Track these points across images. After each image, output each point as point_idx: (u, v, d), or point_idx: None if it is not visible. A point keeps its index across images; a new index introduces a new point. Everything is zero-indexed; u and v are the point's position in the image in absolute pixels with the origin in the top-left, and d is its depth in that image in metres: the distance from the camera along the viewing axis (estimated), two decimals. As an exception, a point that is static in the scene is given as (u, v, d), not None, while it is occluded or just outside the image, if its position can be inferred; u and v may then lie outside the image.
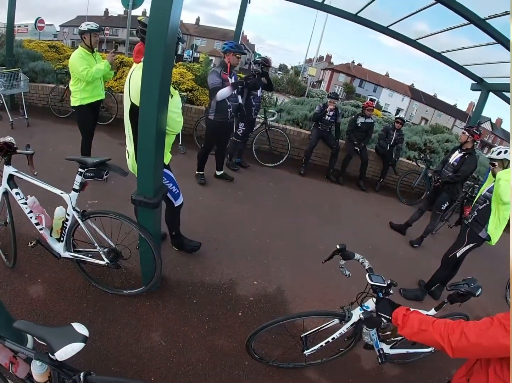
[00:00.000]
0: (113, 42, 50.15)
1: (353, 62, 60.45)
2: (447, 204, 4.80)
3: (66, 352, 1.36)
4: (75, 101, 4.30)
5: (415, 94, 58.06)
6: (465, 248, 3.52)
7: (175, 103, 2.48)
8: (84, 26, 4.16)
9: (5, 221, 2.81)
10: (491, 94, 7.48)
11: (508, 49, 5.43)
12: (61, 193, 2.50)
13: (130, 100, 2.45)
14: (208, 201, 4.63)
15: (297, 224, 4.59)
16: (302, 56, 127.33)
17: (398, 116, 7.41)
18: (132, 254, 2.72)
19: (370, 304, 1.85)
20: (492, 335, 1.15)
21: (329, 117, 6.44)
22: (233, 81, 4.58)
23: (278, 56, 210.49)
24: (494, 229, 3.37)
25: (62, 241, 2.64)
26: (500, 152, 3.54)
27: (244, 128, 5.53)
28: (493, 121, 57.42)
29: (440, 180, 4.82)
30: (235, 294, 3.08)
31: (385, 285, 1.75)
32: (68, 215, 2.54)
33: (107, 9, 59.77)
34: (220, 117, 4.64)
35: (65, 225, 2.58)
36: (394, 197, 6.82)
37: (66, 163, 3.59)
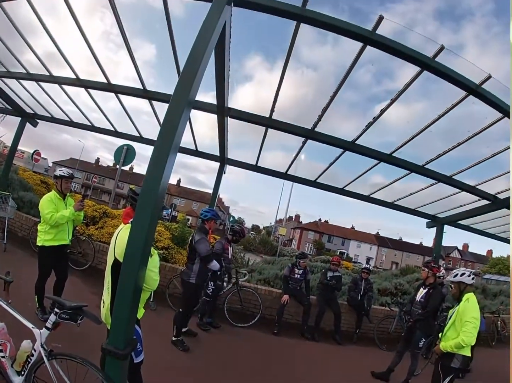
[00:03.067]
0: (99, 189, 52.82)
1: (320, 219, 64.97)
2: (424, 340, 4.78)
3: None
4: (38, 240, 4.40)
5: (381, 241, 61.27)
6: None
7: (154, 262, 2.72)
8: (57, 171, 4.45)
9: None
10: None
11: (449, 184, 6.36)
12: (33, 327, 2.49)
13: (114, 255, 2.68)
14: (176, 361, 4.37)
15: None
16: (273, 217, 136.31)
17: (364, 266, 7.85)
18: None
19: None
20: None
21: (298, 275, 6.72)
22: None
23: (250, 217, 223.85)
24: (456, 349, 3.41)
25: (22, 376, 2.51)
26: (456, 275, 3.69)
27: (213, 287, 5.68)
28: (460, 247, 59.91)
29: (411, 320, 4.93)
30: None
31: None
32: (35, 350, 2.47)
33: (98, 158, 64.62)
34: (201, 280, 4.90)
35: (29, 360, 2.49)
36: (373, 346, 6.65)
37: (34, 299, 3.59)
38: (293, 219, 69.79)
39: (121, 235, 2.71)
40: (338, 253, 48.23)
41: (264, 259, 11.80)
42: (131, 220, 2.67)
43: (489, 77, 3.90)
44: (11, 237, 7.18)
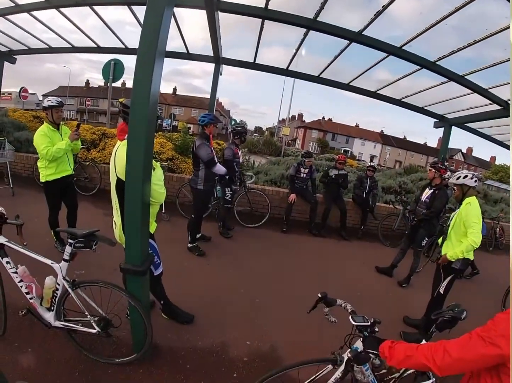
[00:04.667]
0: (94, 112, 51.73)
1: (323, 117, 63.70)
2: (426, 239, 4.96)
3: None
4: (41, 177, 4.35)
5: (386, 140, 60.98)
6: (445, 283, 3.59)
7: (157, 176, 2.65)
8: (45, 102, 4.22)
9: None
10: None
11: (461, 84, 5.98)
12: (52, 263, 2.53)
13: (116, 175, 2.63)
14: (194, 266, 4.63)
15: (284, 280, 4.62)
16: (276, 117, 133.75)
17: (369, 164, 7.82)
18: (122, 322, 2.71)
19: (359, 344, 1.88)
20: (472, 348, 1.24)
21: (304, 175, 6.77)
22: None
23: (252, 119, 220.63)
24: (466, 253, 3.45)
25: (52, 311, 2.63)
26: (459, 177, 3.63)
27: (231, 193, 5.79)
28: (464, 151, 60.30)
29: (415, 219, 5.03)
30: (229, 356, 3.02)
31: (369, 323, 1.80)
32: (59, 284, 2.55)
33: (88, 80, 61.59)
34: (209, 186, 4.93)
35: (55, 294, 2.59)
36: (377, 242, 6.97)
37: (51, 235, 3.63)
38: (296, 119, 68.65)
39: (119, 153, 2.62)
40: (342, 151, 48.23)
41: (269, 160, 11.82)
42: (127, 135, 2.51)
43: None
44: (16, 179, 7.14)
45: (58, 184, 4.36)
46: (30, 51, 8.29)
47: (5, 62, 8.60)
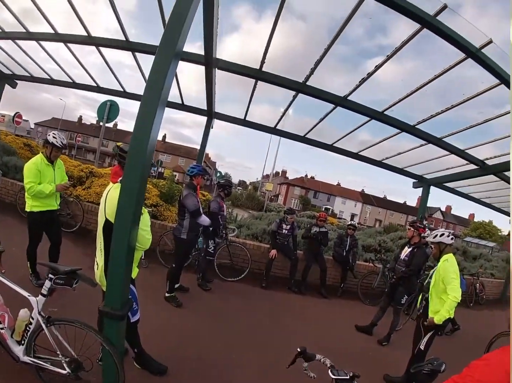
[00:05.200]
0: (83, 149, 51.74)
1: (306, 175, 65.37)
2: (406, 297, 4.99)
3: None
4: (27, 206, 4.28)
5: (366, 199, 62.52)
6: (425, 339, 3.60)
7: (144, 221, 2.68)
8: (50, 137, 4.20)
9: None
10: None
11: (439, 146, 6.36)
12: (28, 295, 2.49)
13: (105, 216, 2.64)
14: (171, 317, 4.50)
15: (262, 337, 4.51)
16: (260, 172, 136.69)
17: (350, 223, 8.00)
18: (94, 367, 2.61)
19: None
20: None
21: (286, 231, 6.83)
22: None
23: (237, 173, 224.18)
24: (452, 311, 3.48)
25: (22, 345, 2.54)
26: (436, 236, 3.77)
27: (214, 245, 5.77)
28: (443, 209, 61.84)
29: (395, 277, 5.09)
30: None
31: (348, 377, 1.77)
32: (33, 319, 2.49)
33: (81, 116, 62.54)
34: (192, 236, 4.95)
35: (28, 328, 2.51)
36: (357, 300, 6.92)
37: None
38: (280, 175, 70.05)
39: (111, 195, 2.66)
40: (323, 209, 49.02)
41: (252, 215, 11.89)
42: (120, 179, 2.59)
43: (490, 41, 3.75)
44: None
45: (42, 217, 4.30)
46: (32, 78, 8.41)
47: (6, 85, 8.70)
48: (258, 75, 5.62)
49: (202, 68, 5.48)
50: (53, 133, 4.24)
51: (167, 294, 4.87)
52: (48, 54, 6.83)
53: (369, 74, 4.89)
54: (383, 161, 8.29)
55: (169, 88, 2.49)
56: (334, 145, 8.03)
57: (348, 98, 5.65)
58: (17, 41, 6.65)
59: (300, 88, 5.67)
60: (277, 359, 3.83)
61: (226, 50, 6.33)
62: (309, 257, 6.96)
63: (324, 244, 7.11)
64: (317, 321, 5.48)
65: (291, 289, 6.67)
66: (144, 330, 3.17)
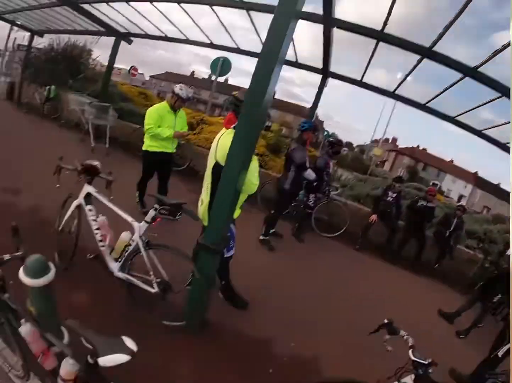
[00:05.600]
0: (195, 99, 55.03)
1: (418, 146, 60.29)
2: (500, 296, 4.59)
3: (111, 360, 1.41)
4: (144, 145, 4.68)
5: (479, 182, 55.84)
6: (506, 347, 3.26)
7: (253, 167, 2.76)
8: (177, 89, 4.53)
9: (69, 229, 3.13)
10: None
11: None
12: (132, 220, 2.76)
13: (215, 158, 2.80)
14: (261, 258, 4.77)
15: (346, 297, 4.54)
16: (368, 134, 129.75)
17: (459, 203, 7.37)
18: (181, 291, 2.90)
19: (408, 380, 1.83)
20: None
21: (391, 199, 6.58)
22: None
23: (345, 134, 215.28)
24: None
25: (119, 262, 2.86)
26: None
27: (314, 199, 5.91)
28: None
29: (495, 271, 4.69)
30: (270, 351, 3.06)
31: (426, 362, 1.75)
32: (133, 241, 2.77)
33: (193, 71, 65.82)
34: (294, 188, 5.13)
35: (127, 249, 2.82)
36: (448, 285, 6.54)
37: (135, 196, 3.97)
38: (390, 142, 65.72)
39: (223, 140, 2.79)
40: (431, 183, 45.29)
41: (356, 176, 11.56)
42: (234, 125, 2.73)
43: None
44: (113, 142, 7.92)
45: (156, 157, 4.70)
46: (146, 36, 8.84)
47: (122, 42, 9.31)
48: (380, 36, 5.21)
49: (317, 27, 5.31)
50: (180, 85, 4.58)
51: (262, 237, 5.17)
52: (161, 13, 7.03)
53: (505, 46, 4.21)
54: (507, 145, 7.29)
55: (287, 47, 2.47)
56: (457, 118, 7.28)
57: (479, 69, 4.99)
58: (131, 3, 6.92)
59: (427, 53, 5.16)
60: (353, 323, 3.85)
61: (345, 9, 5.98)
62: (409, 230, 6.69)
63: (429, 220, 6.74)
64: (402, 295, 5.32)
65: (384, 257, 6.53)
66: (234, 267, 3.38)
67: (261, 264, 4.61)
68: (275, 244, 5.23)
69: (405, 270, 6.45)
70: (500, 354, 3.30)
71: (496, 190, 55.78)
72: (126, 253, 2.84)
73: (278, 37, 2.35)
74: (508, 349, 3.27)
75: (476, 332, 4.73)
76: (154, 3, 6.69)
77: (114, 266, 2.92)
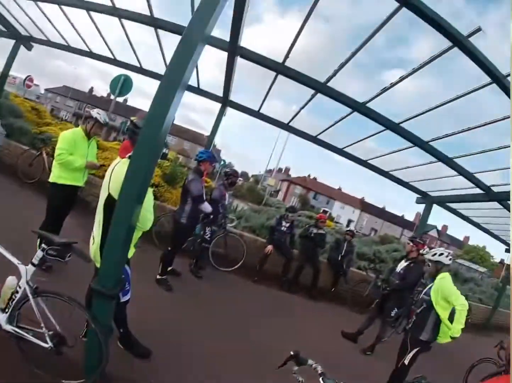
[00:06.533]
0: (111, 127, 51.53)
1: (309, 175, 65.21)
2: (396, 310, 4.95)
3: None
4: (52, 177, 4.12)
5: (365, 207, 62.45)
6: (410, 354, 3.59)
7: (148, 201, 2.61)
8: (94, 113, 4.12)
9: None
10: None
11: (449, 165, 6.32)
12: (18, 263, 2.45)
13: (108, 191, 2.57)
14: (160, 300, 4.49)
15: (249, 332, 4.47)
16: (262, 164, 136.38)
17: (348, 228, 8.00)
18: (77, 343, 2.57)
19: None
20: None
21: (285, 228, 6.82)
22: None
23: (241, 164, 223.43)
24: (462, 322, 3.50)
25: (6, 313, 2.49)
26: (435, 254, 3.81)
27: (211, 232, 5.77)
28: (439, 227, 61.72)
29: (387, 288, 5.09)
30: None
31: None
32: (20, 287, 2.44)
33: (92, 87, 61.91)
34: (192, 221, 4.94)
35: (14, 296, 2.47)
36: (346, 306, 6.92)
37: (23, 232, 3.47)
38: (283, 171, 69.92)
39: (118, 170, 2.58)
40: (322, 210, 49.10)
41: (251, 208, 11.83)
42: (129, 155, 2.51)
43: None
44: None
45: (66, 191, 4.14)
46: (48, 43, 8.25)
47: (21, 47, 8.53)
48: (280, 69, 5.53)
49: (222, 54, 5.43)
50: (97, 110, 4.19)
51: (158, 277, 4.85)
52: (67, 18, 6.67)
53: (392, 84, 4.82)
54: (389, 172, 8.25)
55: (191, 71, 2.43)
56: (344, 149, 7.99)
57: (367, 105, 5.60)
58: (38, 3, 6.51)
59: (321, 88, 5.59)
60: (261, 357, 3.80)
61: (249, 40, 6.23)
62: (303, 257, 6.95)
63: (321, 246, 7.11)
64: (304, 322, 5.47)
65: (282, 287, 6.66)
66: (131, 311, 3.11)
67: (159, 306, 4.31)
68: (173, 283, 4.95)
69: (303, 297, 6.69)
70: (406, 362, 3.59)
71: (381, 213, 63.07)
72: (14, 302, 2.47)
73: (184, 60, 2.30)
74: (413, 356, 3.60)
75: (382, 346, 5.06)
76: (62, 7, 6.29)
77: (1, 318, 2.50)
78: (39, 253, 2.43)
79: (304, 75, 5.54)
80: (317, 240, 6.96)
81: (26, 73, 19.29)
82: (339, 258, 7.20)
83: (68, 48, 8.07)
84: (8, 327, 2.48)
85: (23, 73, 21.54)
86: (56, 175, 4.07)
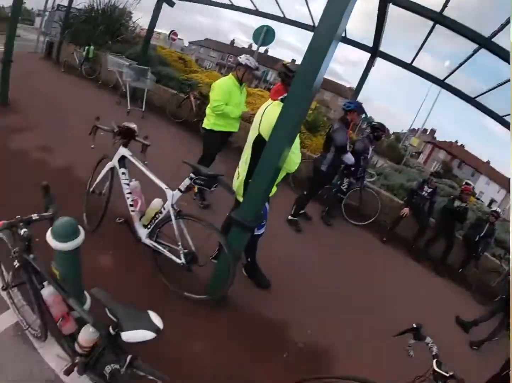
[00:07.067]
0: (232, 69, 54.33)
1: (456, 141, 57.91)
2: None
3: (135, 336, 1.36)
4: (207, 123, 4.29)
5: (513, 189, 53.25)
6: None
7: (296, 144, 2.63)
8: (243, 59, 4.12)
9: (101, 191, 3.15)
10: None
11: None
12: (166, 188, 2.72)
13: (258, 131, 2.67)
14: (288, 239, 4.71)
15: (367, 289, 4.43)
16: (405, 123, 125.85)
17: (494, 209, 7.03)
18: (207, 263, 2.91)
19: None
20: None
21: (426, 193, 6.35)
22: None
23: (381, 119, 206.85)
24: None
25: (148, 229, 2.85)
26: None
27: (348, 184, 5.78)
28: None
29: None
30: (287, 335, 3.02)
31: (448, 375, 1.66)
32: (164, 209, 2.74)
33: (233, 39, 65.26)
34: (332, 170, 4.97)
35: (157, 216, 2.79)
36: (469, 292, 6.29)
37: (168, 163, 4.00)
38: (427, 133, 63.39)
39: (269, 111, 2.66)
40: (464, 182, 43.60)
41: (392, 165, 11.21)
42: (281, 97, 2.60)
43: None
44: (149, 106, 7.90)
45: (221, 137, 4.38)
46: None
47: (164, 4, 8.95)
48: (438, 18, 4.86)
49: (373, 1, 5.04)
50: (244, 56, 4.19)
51: (290, 217, 5.08)
52: None
53: None
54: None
55: (346, 20, 2.26)
56: (504, 117, 6.82)
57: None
58: None
59: (486, 43, 4.79)
60: (369, 315, 3.81)
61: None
62: (439, 229, 6.47)
63: (461, 220, 6.48)
64: (421, 295, 5.17)
65: (409, 253, 6.36)
66: (260, 244, 3.34)
67: (287, 245, 4.54)
68: (303, 226, 5.14)
69: (428, 269, 6.26)
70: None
71: (533, 201, 53.13)
72: (156, 221, 2.81)
73: (338, 10, 2.14)
74: None
75: (490, 346, 4.53)
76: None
77: (143, 233, 2.91)
78: (187, 181, 2.65)
79: (466, 27, 4.79)
80: (459, 214, 6.35)
81: (169, 29, 20.29)
82: (477, 239, 6.46)
83: (210, 2, 8.27)
84: (148, 241, 2.87)
85: (166, 30, 22.97)
86: (212, 123, 4.24)
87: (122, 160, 2.96)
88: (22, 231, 1.60)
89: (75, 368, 1.70)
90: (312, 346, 3.03)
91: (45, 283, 1.73)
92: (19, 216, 1.64)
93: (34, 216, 1.67)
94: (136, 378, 1.57)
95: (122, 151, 2.95)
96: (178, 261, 2.77)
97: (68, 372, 1.69)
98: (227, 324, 2.86)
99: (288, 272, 3.90)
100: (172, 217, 2.68)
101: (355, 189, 6.34)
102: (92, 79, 9.87)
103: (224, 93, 4.06)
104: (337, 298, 3.90)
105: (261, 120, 2.68)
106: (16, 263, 1.73)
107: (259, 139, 2.66)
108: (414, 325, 1.88)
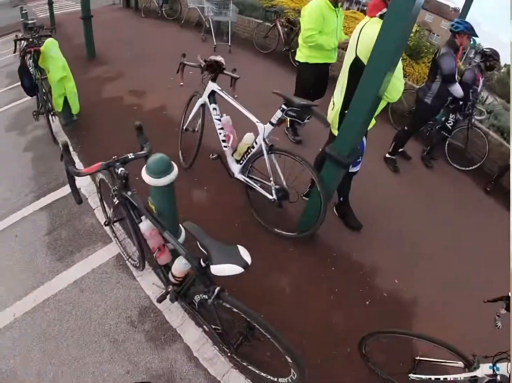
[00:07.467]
0: None
1: None
2: None
3: (223, 270, 1.37)
4: (300, 56, 3.81)
5: None
6: None
7: (399, 69, 2.24)
8: None
9: (194, 128, 3.21)
10: None
11: None
12: (257, 121, 2.59)
13: (356, 53, 2.30)
14: (384, 178, 4.36)
15: (464, 243, 3.83)
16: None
17: None
18: (298, 200, 2.82)
19: (503, 367, 1.55)
20: None
21: None
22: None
23: (491, 47, 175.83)
24: None
25: (240, 164, 2.83)
26: None
27: (454, 121, 4.99)
28: None
29: None
30: (372, 282, 2.88)
31: None
32: (256, 143, 2.66)
33: None
34: (437, 103, 4.30)
35: (249, 151, 2.73)
36: None
37: (258, 97, 3.76)
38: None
39: (367, 30, 2.24)
40: None
41: (503, 103, 9.63)
42: (380, 13, 2.22)
43: None
44: (235, 39, 7.60)
45: (318, 69, 3.85)
46: None
47: None
48: None
49: None
50: None
51: (388, 155, 4.63)
52: None
53: None
54: None
55: None
56: None
57: None
58: None
59: None
60: (460, 274, 3.32)
61: None
62: None
63: None
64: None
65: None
66: (354, 184, 3.14)
67: (381, 186, 4.18)
68: (400, 166, 4.66)
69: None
70: None
71: None
72: (248, 156, 2.76)
73: None
74: None
75: None
76: None
77: (235, 168, 2.91)
78: (278, 113, 2.48)
79: None
80: None
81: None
82: None
83: None
84: (240, 176, 2.86)
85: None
86: (306, 55, 3.75)
87: (212, 95, 2.91)
88: (119, 170, 1.68)
89: (168, 296, 1.87)
90: (396, 297, 2.85)
91: (142, 218, 1.83)
92: (115, 157, 1.72)
93: (130, 156, 1.74)
94: (222, 308, 1.65)
95: (211, 85, 2.89)
96: (269, 197, 2.72)
97: (161, 299, 1.87)
98: (314, 263, 2.83)
99: (380, 216, 3.62)
100: (264, 152, 2.58)
101: (461, 127, 5.39)
102: (173, 20, 9.71)
103: (316, 20, 3.44)
104: (429, 251, 3.51)
105: (358, 40, 2.29)
106: (116, 200, 1.88)
107: (356, 63, 2.30)
108: (510, 294, 1.62)
